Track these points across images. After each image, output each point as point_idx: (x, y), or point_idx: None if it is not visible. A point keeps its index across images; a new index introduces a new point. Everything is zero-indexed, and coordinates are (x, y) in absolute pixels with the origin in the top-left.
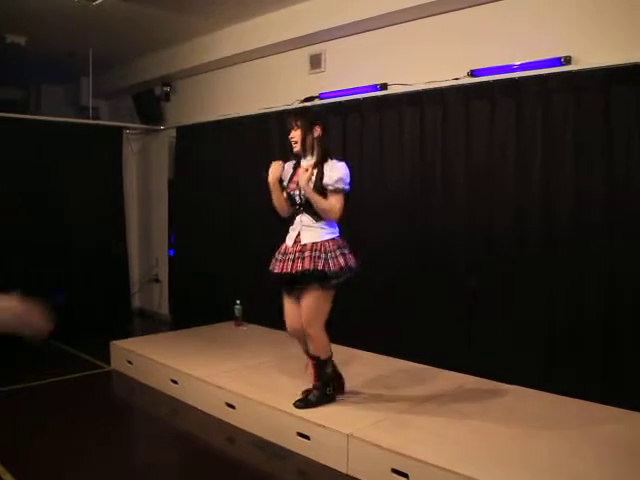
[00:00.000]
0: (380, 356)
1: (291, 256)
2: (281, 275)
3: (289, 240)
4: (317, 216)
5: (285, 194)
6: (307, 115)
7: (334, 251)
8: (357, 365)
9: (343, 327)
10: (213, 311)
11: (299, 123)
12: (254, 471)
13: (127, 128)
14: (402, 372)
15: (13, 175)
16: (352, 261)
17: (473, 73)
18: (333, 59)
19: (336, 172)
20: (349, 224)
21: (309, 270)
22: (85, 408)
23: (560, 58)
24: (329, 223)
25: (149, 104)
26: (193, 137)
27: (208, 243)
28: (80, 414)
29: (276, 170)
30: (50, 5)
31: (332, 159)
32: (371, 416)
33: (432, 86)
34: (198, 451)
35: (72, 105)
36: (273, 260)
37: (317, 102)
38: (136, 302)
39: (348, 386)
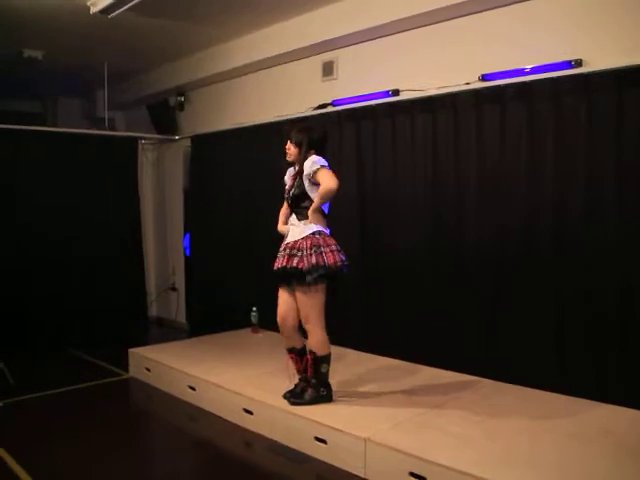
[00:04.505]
0: (395, 360)
1: (279, 254)
2: (275, 272)
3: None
4: (300, 215)
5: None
6: (308, 140)
7: (309, 249)
8: (372, 369)
9: (357, 332)
10: (230, 318)
11: (299, 143)
12: (272, 476)
13: (142, 138)
14: (417, 375)
15: (31, 186)
16: (331, 259)
17: (484, 77)
18: (345, 66)
19: (309, 162)
20: (361, 229)
21: (286, 267)
22: (104, 415)
23: (571, 61)
24: (313, 223)
25: (164, 114)
26: (208, 146)
27: (224, 251)
28: (99, 421)
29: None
30: (66, 20)
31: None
32: (388, 419)
33: (444, 91)
34: (216, 457)
35: (88, 117)
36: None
37: (331, 109)
38: (153, 311)
39: (365, 389)
